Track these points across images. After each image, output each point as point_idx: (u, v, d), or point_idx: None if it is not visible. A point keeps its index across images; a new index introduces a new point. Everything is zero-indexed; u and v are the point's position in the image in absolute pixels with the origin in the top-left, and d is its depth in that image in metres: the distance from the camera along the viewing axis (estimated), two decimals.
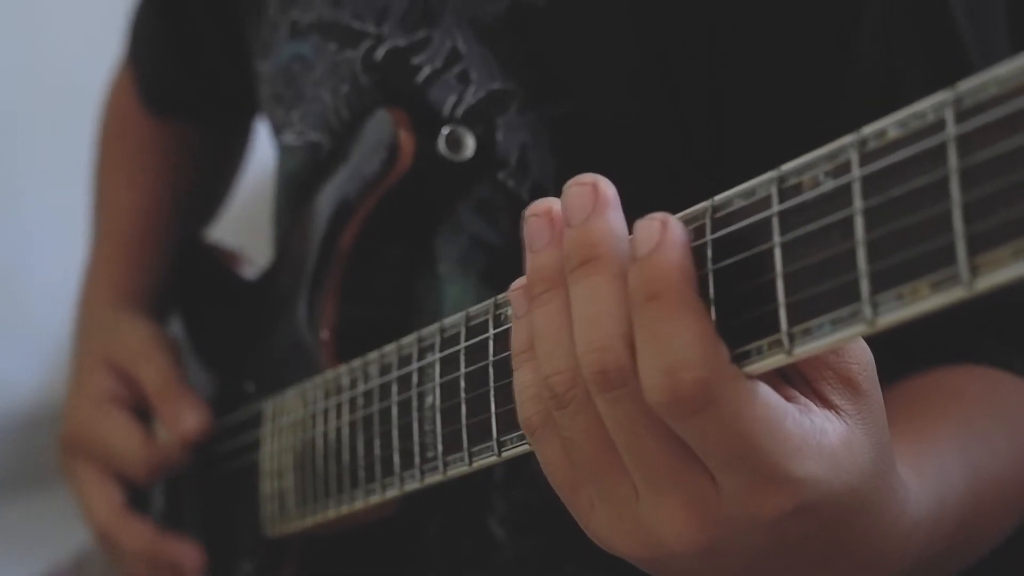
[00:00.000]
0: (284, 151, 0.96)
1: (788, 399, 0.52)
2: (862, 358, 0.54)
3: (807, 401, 0.53)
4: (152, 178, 1.19)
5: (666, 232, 0.50)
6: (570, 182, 0.54)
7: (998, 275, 0.42)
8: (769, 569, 0.55)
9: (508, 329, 0.62)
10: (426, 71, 0.83)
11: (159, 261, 1.15)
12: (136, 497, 1.04)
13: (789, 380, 0.54)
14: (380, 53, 0.86)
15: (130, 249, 1.16)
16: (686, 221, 0.53)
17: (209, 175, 1.25)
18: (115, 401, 1.03)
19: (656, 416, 0.51)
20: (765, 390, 0.51)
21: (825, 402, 0.53)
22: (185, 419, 0.98)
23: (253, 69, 1.01)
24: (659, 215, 0.51)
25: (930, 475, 0.63)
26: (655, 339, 0.50)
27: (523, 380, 0.57)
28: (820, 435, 0.51)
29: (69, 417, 1.06)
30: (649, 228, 0.50)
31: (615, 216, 0.53)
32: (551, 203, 0.55)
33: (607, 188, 0.53)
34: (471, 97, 0.81)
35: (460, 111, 0.82)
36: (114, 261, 1.16)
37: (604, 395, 0.52)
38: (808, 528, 0.53)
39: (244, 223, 1.39)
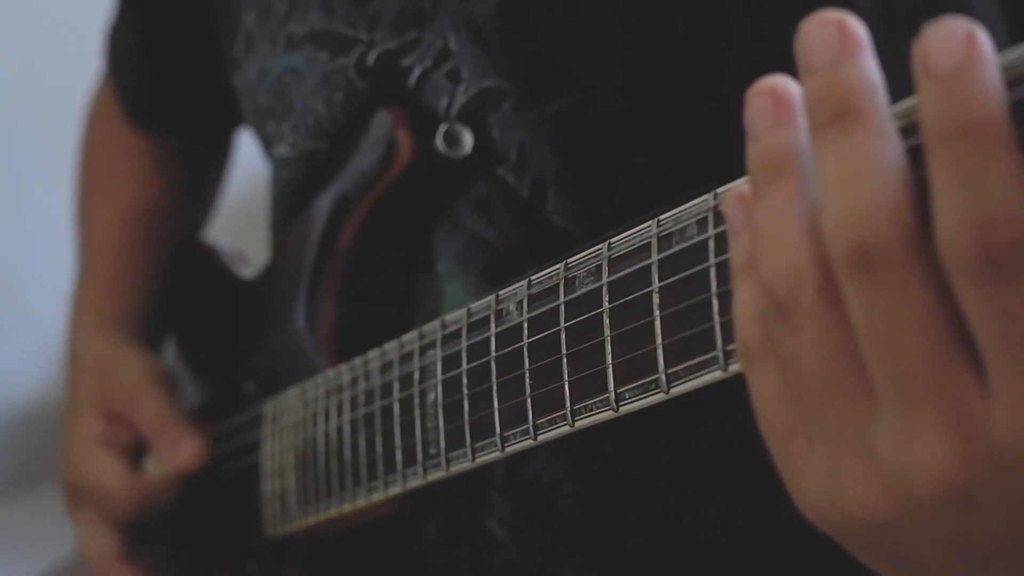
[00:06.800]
0: (279, 163, 0.96)
1: None
2: None
3: None
4: (136, 193, 1.19)
5: (973, 46, 0.39)
6: (808, 20, 0.43)
7: None
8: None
9: (510, 328, 0.62)
10: (416, 72, 0.83)
11: (147, 278, 1.16)
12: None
13: None
14: (371, 58, 0.85)
15: (115, 272, 1.16)
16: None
17: (194, 186, 1.25)
18: (104, 443, 1.03)
19: (927, 306, 0.41)
20: None
21: None
22: (182, 450, 0.98)
23: (230, 84, 1.01)
24: (954, 21, 0.39)
25: None
26: (966, 184, 0.39)
27: (743, 299, 0.47)
28: None
29: (66, 464, 1.07)
30: (950, 39, 0.39)
31: (869, 62, 0.43)
32: (774, 80, 0.46)
33: (856, 27, 0.43)
34: (462, 95, 0.81)
35: (454, 111, 0.81)
36: (100, 287, 1.15)
37: (860, 280, 0.42)
38: None
39: (240, 226, 1.39)
